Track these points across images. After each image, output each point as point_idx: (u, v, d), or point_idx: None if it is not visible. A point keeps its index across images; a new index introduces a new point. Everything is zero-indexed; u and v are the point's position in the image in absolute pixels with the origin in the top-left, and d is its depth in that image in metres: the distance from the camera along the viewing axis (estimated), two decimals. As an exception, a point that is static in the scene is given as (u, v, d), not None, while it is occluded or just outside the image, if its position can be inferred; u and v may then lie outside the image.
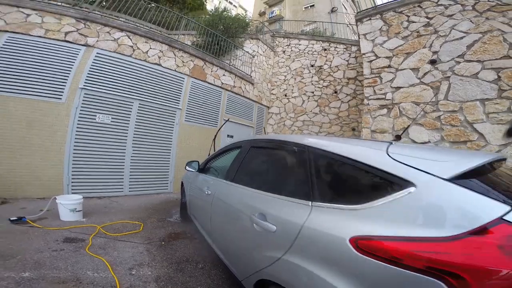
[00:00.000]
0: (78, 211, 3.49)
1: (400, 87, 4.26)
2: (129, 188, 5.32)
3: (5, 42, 4.23)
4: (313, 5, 19.05)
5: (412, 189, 0.93)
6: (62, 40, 4.62)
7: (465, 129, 3.53)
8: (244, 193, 1.79)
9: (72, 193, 4.36)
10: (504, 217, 0.75)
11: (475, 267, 0.72)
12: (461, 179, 0.89)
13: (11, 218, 3.12)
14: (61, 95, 4.50)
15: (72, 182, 4.59)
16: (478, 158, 0.98)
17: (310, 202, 1.21)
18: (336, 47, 8.49)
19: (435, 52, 3.91)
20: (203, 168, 3.13)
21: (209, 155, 5.04)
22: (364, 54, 4.80)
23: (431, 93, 3.89)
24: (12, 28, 4.30)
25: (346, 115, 7.76)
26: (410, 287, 0.79)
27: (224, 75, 7.37)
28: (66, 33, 4.67)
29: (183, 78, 6.27)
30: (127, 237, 3.01)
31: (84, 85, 4.71)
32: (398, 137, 4.20)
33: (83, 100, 4.71)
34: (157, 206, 4.65)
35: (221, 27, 9.01)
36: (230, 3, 38.71)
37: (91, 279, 2.03)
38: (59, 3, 5.67)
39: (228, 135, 7.33)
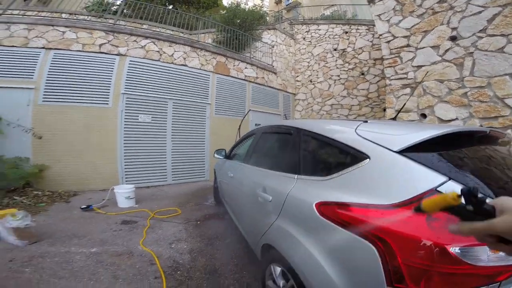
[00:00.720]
0: (132, 198, 4.20)
1: (421, 66, 4.22)
2: (172, 177, 6.12)
3: (53, 58, 5.02)
4: (331, -13, 18.28)
5: (367, 161, 1.02)
6: (98, 52, 5.36)
7: (495, 104, 3.41)
8: (254, 172, 2.11)
9: (127, 184, 5.18)
10: (439, 188, 0.79)
11: (400, 233, 0.77)
12: (413, 152, 0.93)
13: (82, 207, 3.88)
14: (108, 101, 5.33)
15: (126, 175, 5.46)
16: (433, 131, 0.98)
17: (295, 175, 1.41)
18: (358, 28, 8.35)
19: (454, 29, 3.79)
20: (229, 155, 3.58)
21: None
22: (381, 35, 4.78)
23: (454, 69, 3.80)
24: (54, 45, 5.07)
25: (376, 96, 7.70)
26: (352, 248, 0.89)
27: (246, 68, 7.79)
28: (100, 45, 5.40)
29: (209, 75, 6.85)
30: (170, 218, 3.58)
31: (124, 90, 5.49)
32: (423, 116, 4.22)
33: (126, 104, 5.51)
34: (195, 192, 5.31)
35: (237, 21, 9.36)
36: (247, -6, 38.42)
37: (140, 252, 2.54)
38: (87, 17, 6.50)
39: (256, 124, 7.78)
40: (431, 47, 4.10)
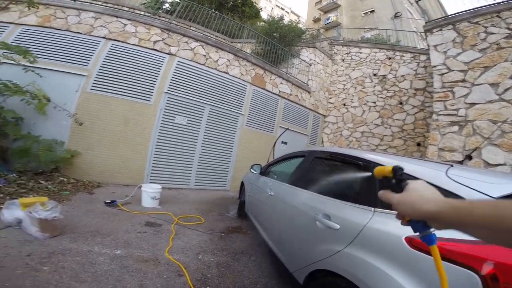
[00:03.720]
0: (157, 199, 4.35)
1: (475, 103, 4.22)
2: (195, 182, 6.34)
3: (110, 49, 5.54)
4: (373, 11, 18.81)
5: None
6: (151, 49, 5.85)
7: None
8: (308, 196, 2.17)
9: (150, 182, 5.43)
10: None
11: (502, 263, 0.93)
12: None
13: (106, 201, 3.95)
14: (150, 98, 5.73)
15: (151, 173, 5.73)
16: None
17: (372, 208, 1.50)
18: (402, 55, 8.52)
19: (519, 67, 3.82)
20: (265, 171, 3.71)
21: (268, 160, 5.71)
22: (434, 66, 4.85)
23: None
24: (114, 36, 5.61)
25: (412, 128, 7.65)
26: (451, 276, 1.07)
27: (281, 83, 8.13)
28: (154, 42, 5.90)
29: (246, 86, 7.22)
30: (194, 226, 3.68)
31: (167, 90, 5.89)
32: (468, 157, 4.13)
33: (166, 103, 5.89)
34: (216, 201, 5.44)
35: (277, 35, 9.84)
36: (282, 9, 40.30)
37: (167, 260, 2.54)
38: (142, 13, 7.08)
39: (282, 142, 7.97)
40: (490, 84, 4.13)
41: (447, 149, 4.47)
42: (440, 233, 1.08)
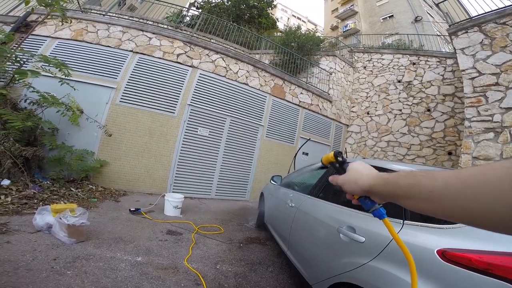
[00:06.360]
0: (179, 208, 4.53)
1: (511, 108, 4.13)
2: (216, 192, 6.55)
3: (137, 62, 5.98)
4: (392, 16, 18.86)
5: None
6: (175, 62, 6.26)
7: None
8: (331, 208, 2.20)
9: (173, 192, 5.71)
10: None
11: None
12: None
13: (131, 209, 4.19)
14: (174, 110, 6.09)
15: (174, 182, 6.00)
16: None
17: (402, 221, 1.53)
18: (427, 60, 8.45)
19: (555, 67, 3.75)
20: (286, 183, 3.78)
21: (289, 171, 5.77)
22: (463, 70, 4.79)
23: (553, 114, 3.72)
24: (141, 49, 6.06)
25: (441, 136, 7.44)
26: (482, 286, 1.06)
27: (301, 93, 8.29)
28: (178, 55, 6.30)
29: (265, 97, 7.45)
30: (213, 235, 3.77)
31: (190, 102, 6.24)
32: None
33: (189, 115, 6.23)
34: (236, 211, 5.58)
35: (294, 45, 10.09)
36: (299, 18, 41.18)
37: (185, 269, 2.61)
38: (166, 26, 7.56)
39: (303, 153, 8.05)
40: None
41: (482, 158, 4.33)
42: (477, 246, 1.17)
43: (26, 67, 4.63)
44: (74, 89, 5.01)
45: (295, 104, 8.11)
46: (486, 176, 0.36)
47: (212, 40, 8.00)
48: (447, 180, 0.42)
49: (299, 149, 7.01)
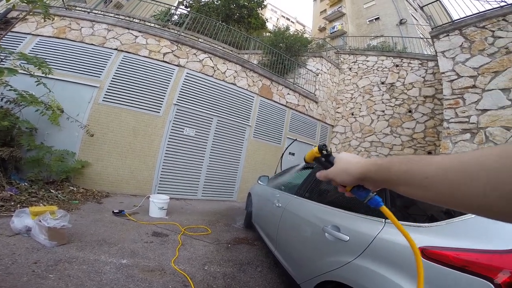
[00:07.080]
0: (164, 209, 4.47)
1: (487, 110, 4.23)
2: (202, 193, 6.50)
3: (121, 60, 5.85)
4: (378, 18, 19.30)
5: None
6: (161, 61, 6.16)
7: None
8: (317, 208, 2.24)
9: (158, 193, 5.61)
10: None
11: None
12: None
13: (114, 211, 4.07)
14: (160, 109, 5.99)
15: (159, 183, 5.90)
16: None
17: (384, 220, 1.56)
18: (410, 62, 8.70)
19: (530, 70, 3.82)
20: (273, 183, 3.77)
21: (275, 171, 5.80)
22: (443, 73, 4.92)
23: (526, 116, 3.80)
24: (126, 48, 5.92)
25: (422, 137, 7.70)
26: (464, 286, 1.07)
27: (288, 93, 8.36)
28: (164, 54, 6.21)
29: (253, 97, 7.46)
30: (200, 236, 3.73)
31: (176, 102, 6.16)
32: None
33: (175, 115, 6.15)
34: (223, 212, 5.55)
35: (283, 45, 10.14)
36: (288, 19, 41.46)
37: (172, 271, 2.58)
38: (153, 24, 7.43)
39: (290, 153, 8.12)
40: (501, 89, 4.15)
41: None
42: (456, 244, 1.19)
43: (3, 65, 4.42)
44: (50, 91, 4.75)
45: (282, 105, 8.16)
46: (484, 163, 0.35)
47: (200, 40, 7.92)
48: (444, 165, 0.40)
49: (286, 149, 7.07)
